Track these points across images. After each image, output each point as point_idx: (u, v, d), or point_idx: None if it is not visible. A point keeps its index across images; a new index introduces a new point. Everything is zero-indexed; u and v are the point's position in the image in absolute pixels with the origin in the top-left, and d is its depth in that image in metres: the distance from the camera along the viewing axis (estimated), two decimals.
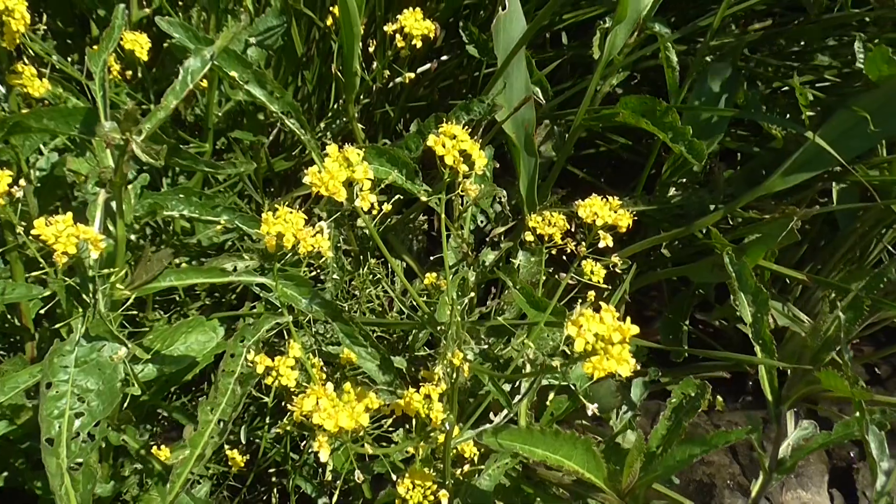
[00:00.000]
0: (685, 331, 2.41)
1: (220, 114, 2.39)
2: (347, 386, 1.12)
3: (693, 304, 2.42)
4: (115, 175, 1.40)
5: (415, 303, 1.86)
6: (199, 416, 1.30)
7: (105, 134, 1.33)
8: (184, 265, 2.21)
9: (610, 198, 1.36)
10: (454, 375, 1.25)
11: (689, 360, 2.42)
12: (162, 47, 2.35)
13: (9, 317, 2.06)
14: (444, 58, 2.60)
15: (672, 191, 2.20)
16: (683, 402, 1.35)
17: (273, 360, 1.28)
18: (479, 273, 1.94)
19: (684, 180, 2.22)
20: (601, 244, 1.35)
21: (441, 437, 1.37)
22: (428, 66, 2.32)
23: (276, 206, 2.43)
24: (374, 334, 2.04)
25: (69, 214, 1.25)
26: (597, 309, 0.99)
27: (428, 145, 1.26)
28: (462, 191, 1.32)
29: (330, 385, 1.04)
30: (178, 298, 2.24)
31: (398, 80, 2.22)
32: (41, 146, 2.17)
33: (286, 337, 1.89)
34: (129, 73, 2.27)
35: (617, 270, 1.41)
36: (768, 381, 1.41)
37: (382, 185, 1.56)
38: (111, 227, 1.53)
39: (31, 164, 2.09)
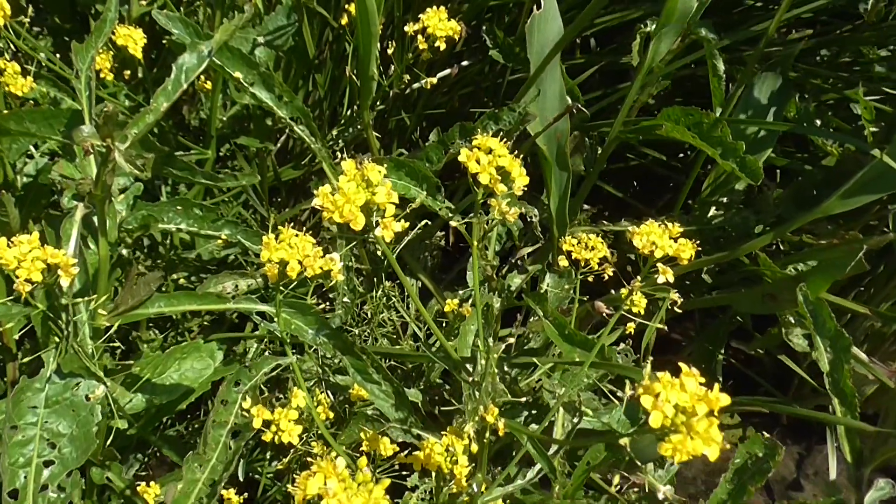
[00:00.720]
0: (720, 360, 2.19)
1: (224, 118, 2.18)
2: (363, 462, 0.90)
3: (729, 331, 2.19)
4: (95, 186, 1.19)
5: (430, 328, 1.64)
6: (184, 472, 1.09)
7: (83, 139, 1.12)
8: (179, 285, 2.00)
9: (669, 224, 1.15)
10: (487, 435, 1.04)
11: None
12: (163, 46, 2.15)
13: None
14: (464, 63, 2.39)
15: (712, 210, 1.98)
16: (749, 462, 1.13)
17: (272, 410, 1.06)
18: (504, 299, 1.73)
19: (725, 199, 1.99)
20: (660, 279, 1.13)
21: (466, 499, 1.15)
22: (448, 71, 2.11)
23: (280, 226, 2.23)
24: (387, 363, 1.83)
25: (35, 234, 1.04)
26: (674, 371, 0.78)
27: (459, 161, 1.05)
28: (498, 214, 1.10)
29: (341, 462, 0.82)
30: (174, 317, 2.03)
31: (415, 85, 2.01)
32: (32, 149, 1.97)
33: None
34: (128, 73, 2.06)
35: (676, 310, 1.19)
36: (849, 442, 1.20)
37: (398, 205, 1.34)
38: (92, 246, 1.32)
39: (17, 169, 1.88)
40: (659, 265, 1.13)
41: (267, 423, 1.06)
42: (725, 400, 0.76)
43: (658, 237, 1.12)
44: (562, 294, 1.77)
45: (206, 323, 2.11)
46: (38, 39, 2.32)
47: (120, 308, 1.32)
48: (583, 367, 1.24)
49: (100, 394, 1.21)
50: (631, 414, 1.44)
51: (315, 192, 0.89)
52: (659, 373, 0.77)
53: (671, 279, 1.13)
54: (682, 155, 2.56)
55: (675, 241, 1.14)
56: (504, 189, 1.05)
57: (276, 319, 1.22)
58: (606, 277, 1.63)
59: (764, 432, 2.24)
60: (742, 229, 1.94)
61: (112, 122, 1.08)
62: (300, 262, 1.11)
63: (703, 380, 0.77)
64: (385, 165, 1.56)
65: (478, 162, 1.04)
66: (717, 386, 0.77)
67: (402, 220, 0.93)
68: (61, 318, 1.16)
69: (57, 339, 1.26)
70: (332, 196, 0.89)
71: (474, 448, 1.04)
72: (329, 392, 1.72)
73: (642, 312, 1.65)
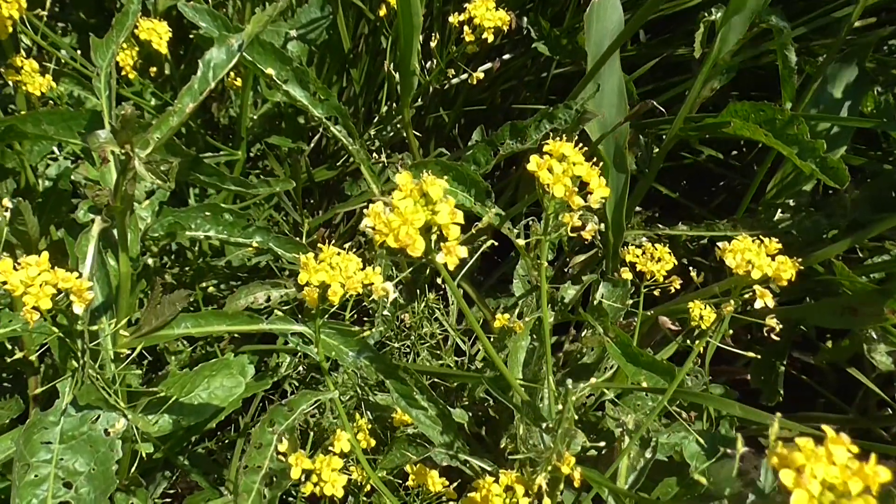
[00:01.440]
0: (781, 372, 2.00)
1: (255, 117, 2.04)
2: None
3: (792, 340, 2.01)
4: (114, 198, 1.04)
5: (485, 349, 1.48)
6: None
7: (99, 146, 0.97)
8: (208, 294, 1.85)
9: (765, 240, 0.97)
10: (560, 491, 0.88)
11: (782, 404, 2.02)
12: (191, 41, 2.00)
13: (9, 347, 1.72)
14: (506, 56, 2.22)
15: (778, 213, 1.80)
16: None
17: (312, 458, 0.91)
18: (558, 312, 1.57)
19: (792, 202, 1.81)
20: (758, 303, 0.96)
21: None
22: (489, 65, 1.94)
23: (313, 231, 2.07)
24: (428, 380, 1.67)
25: (45, 255, 0.89)
26: (817, 439, 0.61)
27: (528, 169, 0.89)
28: (571, 231, 0.94)
29: None
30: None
31: (455, 80, 1.84)
32: (56, 150, 1.84)
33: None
34: (154, 70, 1.92)
35: (773, 337, 1.02)
36: None
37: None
38: (112, 262, 1.17)
39: (39, 172, 1.75)
40: (757, 287, 0.96)
41: (307, 473, 0.91)
42: (885, 475, 0.59)
43: (755, 255, 0.95)
44: (618, 306, 1.60)
45: (236, 335, 1.97)
46: (63, 36, 2.18)
47: (143, 329, 1.18)
48: (662, 398, 1.08)
49: (120, 428, 1.06)
50: (711, 446, 1.28)
51: (365, 212, 0.73)
52: (799, 439, 0.61)
53: (770, 304, 0.96)
54: (734, 152, 2.38)
55: (773, 259, 0.97)
56: (581, 202, 0.88)
57: (313, 342, 1.07)
58: (673, 290, 1.47)
59: None
60: (812, 234, 1.76)
61: (131, 125, 0.93)
62: (342, 285, 0.96)
63: (855, 449, 0.61)
64: (429, 168, 1.38)
65: (550, 171, 0.87)
66: (873, 457, 0.60)
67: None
68: (77, 346, 1.02)
69: (75, 364, 1.12)
70: (385, 216, 0.73)
71: (547, 503, 0.88)
72: (367, 410, 1.57)
73: (711, 327, 1.48)
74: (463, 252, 0.74)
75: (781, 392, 2.00)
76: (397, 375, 1.28)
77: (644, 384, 1.31)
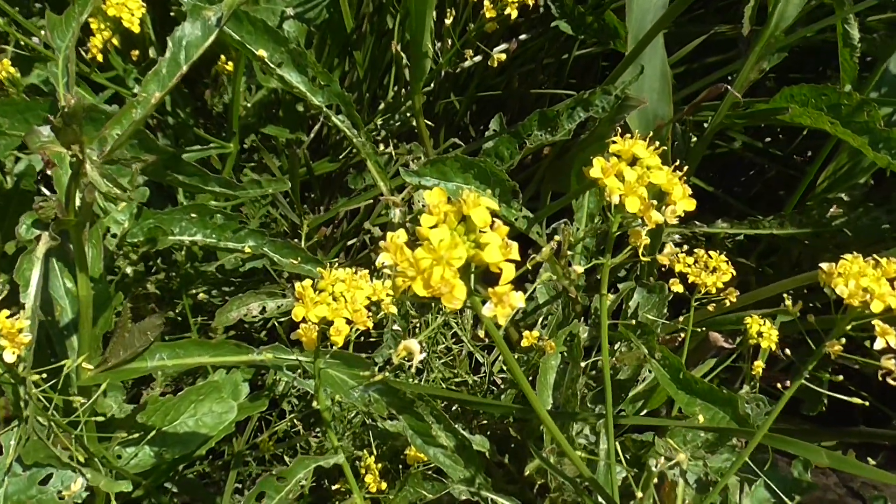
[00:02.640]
0: (826, 380, 1.79)
1: (249, 105, 1.81)
2: None
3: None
4: (64, 209, 0.82)
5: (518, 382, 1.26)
6: None
7: (40, 146, 0.75)
8: (197, 301, 1.63)
9: (883, 261, 0.75)
10: None
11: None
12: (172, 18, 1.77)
13: None
14: (522, 37, 1.98)
15: (832, 209, 1.57)
16: None
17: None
18: (592, 327, 1.35)
19: (846, 196, 1.59)
20: (877, 343, 0.74)
21: None
22: (505, 46, 1.71)
23: (314, 232, 1.84)
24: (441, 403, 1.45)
25: None
26: None
27: (591, 175, 0.66)
28: (642, 252, 0.72)
29: None
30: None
31: (466, 63, 1.62)
32: None
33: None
34: (136, 53, 1.69)
35: (890, 381, 0.79)
36: None
37: None
38: (69, 284, 0.95)
39: (7, 169, 1.52)
40: (877, 323, 0.73)
41: None
42: None
43: (872, 281, 0.72)
44: (655, 314, 1.38)
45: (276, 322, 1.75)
46: (35, 17, 1.95)
47: (110, 363, 0.96)
48: (744, 450, 0.86)
49: (77, 489, 0.85)
50: (785, 491, 1.06)
51: (381, 244, 0.51)
52: None
53: (893, 341, 0.73)
54: (768, 138, 2.14)
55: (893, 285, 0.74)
56: (659, 219, 0.66)
57: (313, 376, 0.85)
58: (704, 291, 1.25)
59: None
60: (870, 233, 1.54)
61: (76, 120, 0.71)
62: (348, 321, 0.74)
63: None
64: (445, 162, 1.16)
65: (620, 178, 0.65)
66: None
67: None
68: (20, 394, 0.80)
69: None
70: (406, 252, 0.51)
71: None
72: (376, 438, 1.35)
73: (774, 348, 1.27)
74: (519, 300, 0.51)
75: (825, 402, 1.79)
76: (412, 410, 1.07)
77: (700, 417, 1.09)
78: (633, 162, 0.68)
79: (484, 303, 0.54)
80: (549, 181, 1.56)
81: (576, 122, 1.26)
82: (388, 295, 0.72)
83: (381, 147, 1.74)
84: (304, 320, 0.73)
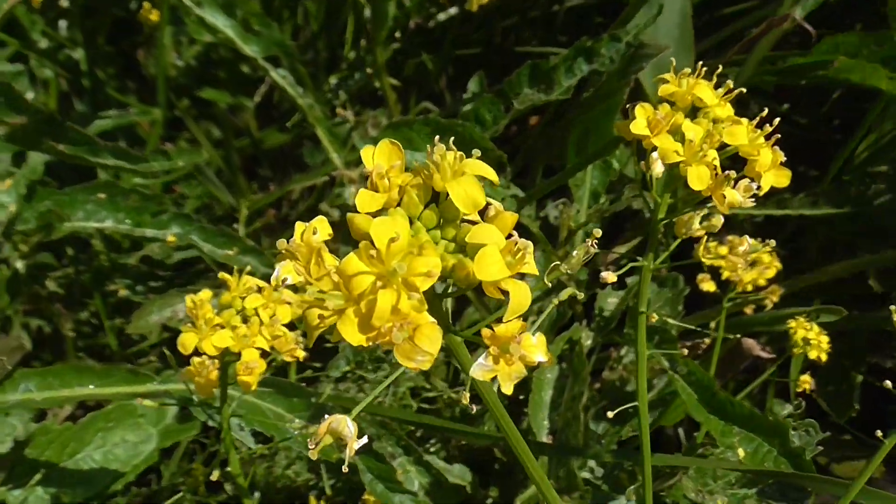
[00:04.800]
0: (858, 383, 1.60)
1: (179, 62, 1.56)
2: None
3: (869, 343, 1.60)
4: None
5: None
6: None
7: None
8: (120, 300, 1.39)
9: None
10: None
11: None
12: None
13: None
14: None
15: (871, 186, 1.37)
16: None
17: None
18: (597, 332, 1.14)
19: (886, 168, 1.38)
20: None
21: None
22: None
23: (257, 214, 1.60)
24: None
25: None
26: None
27: (631, 133, 0.44)
28: (703, 254, 0.50)
29: None
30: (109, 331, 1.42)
31: (442, 16, 1.39)
32: None
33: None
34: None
35: None
36: None
37: None
38: None
39: None
40: None
41: None
42: None
43: None
44: (668, 312, 1.17)
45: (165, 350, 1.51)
46: None
47: None
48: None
49: None
50: None
51: (280, 244, 0.28)
52: None
53: None
54: (786, 105, 1.93)
55: None
56: (736, 199, 0.44)
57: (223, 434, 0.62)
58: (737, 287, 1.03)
59: None
60: None
61: None
62: (264, 353, 0.51)
63: None
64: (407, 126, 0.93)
65: (677, 137, 0.43)
66: None
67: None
68: None
69: None
70: (329, 259, 0.28)
71: None
72: (329, 473, 1.13)
73: (824, 358, 1.06)
74: (538, 352, 0.30)
75: (857, 406, 1.59)
76: (372, 450, 0.85)
77: (739, 450, 0.88)
78: (693, 113, 0.46)
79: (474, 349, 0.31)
80: (541, 153, 1.33)
81: (576, 78, 1.03)
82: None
83: (340, 112, 1.51)
84: (196, 353, 0.50)
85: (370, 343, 0.29)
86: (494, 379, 0.35)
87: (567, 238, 1.08)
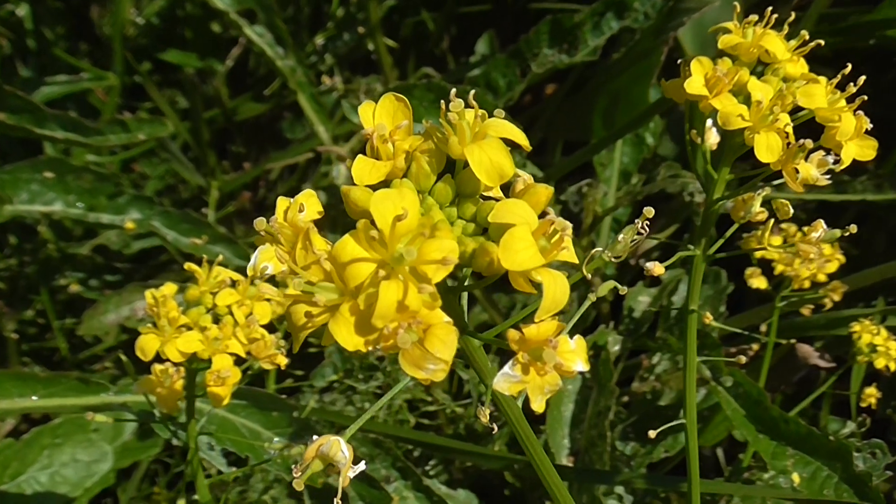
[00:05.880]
0: None
1: (139, 20, 1.54)
2: None
3: None
4: None
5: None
6: None
7: None
8: (73, 297, 1.37)
9: None
10: None
11: None
12: None
13: None
14: None
15: None
16: None
17: None
18: (626, 336, 1.11)
19: None
20: None
21: None
22: None
23: (229, 199, 1.59)
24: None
25: None
26: None
27: (686, 93, 0.42)
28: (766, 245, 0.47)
29: None
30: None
31: None
32: None
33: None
34: None
35: None
36: None
37: None
38: None
39: None
40: None
41: None
42: None
43: None
44: (709, 313, 1.14)
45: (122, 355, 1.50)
46: None
47: None
48: None
49: None
50: None
51: (258, 223, 0.26)
52: None
53: None
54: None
55: None
56: (811, 175, 0.42)
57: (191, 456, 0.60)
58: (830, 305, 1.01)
59: None
60: None
61: None
62: (239, 360, 0.49)
63: None
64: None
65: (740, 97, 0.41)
66: None
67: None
68: None
69: None
70: (319, 243, 0.26)
71: None
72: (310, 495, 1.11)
73: (892, 367, 1.04)
74: (579, 362, 0.28)
75: None
76: (363, 473, 0.83)
77: (794, 475, 0.86)
78: (761, 70, 0.43)
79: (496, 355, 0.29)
80: (561, 126, 1.31)
81: (604, 36, 1.01)
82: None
83: (326, 80, 1.49)
84: (158, 359, 0.48)
85: (369, 347, 0.27)
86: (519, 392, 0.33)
87: (592, 225, 1.06)
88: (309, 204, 0.31)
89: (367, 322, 0.27)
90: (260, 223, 0.30)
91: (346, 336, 0.27)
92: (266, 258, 0.29)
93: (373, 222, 0.27)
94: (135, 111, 1.63)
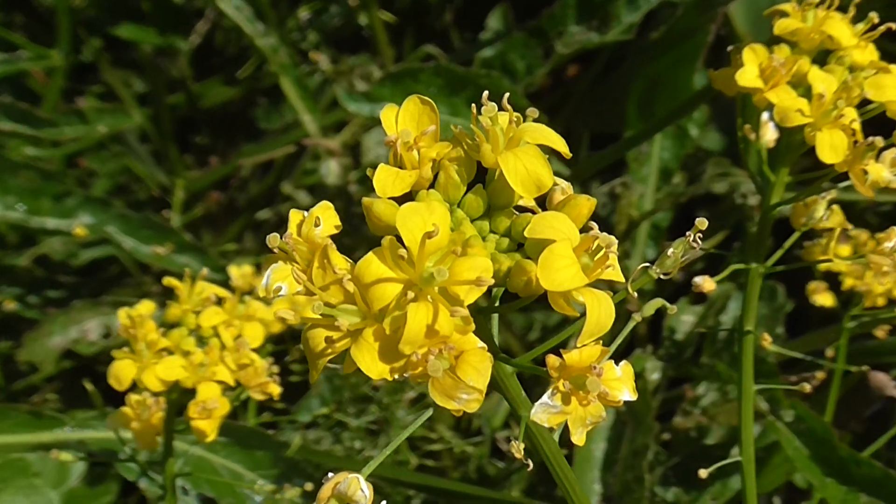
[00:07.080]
0: None
1: None
2: None
3: None
4: None
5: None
6: None
7: None
8: (8, 316, 1.40)
9: None
10: None
11: None
12: None
13: None
14: None
15: None
16: None
17: None
18: (666, 362, 1.14)
19: None
20: None
21: None
22: None
23: (199, 198, 1.62)
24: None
25: None
26: None
27: (741, 84, 0.45)
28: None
29: None
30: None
31: None
32: None
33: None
34: None
35: None
36: None
37: None
38: None
39: None
40: None
41: None
42: None
43: None
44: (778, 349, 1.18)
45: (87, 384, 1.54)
46: None
47: None
48: None
49: None
50: None
51: (271, 240, 0.29)
52: None
53: None
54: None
55: None
56: (883, 177, 0.45)
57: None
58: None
59: None
60: None
61: None
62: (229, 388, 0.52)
63: None
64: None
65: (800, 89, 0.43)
66: None
67: None
68: None
69: None
70: (339, 261, 0.29)
71: None
72: None
73: None
74: (626, 390, 0.31)
75: None
76: None
77: None
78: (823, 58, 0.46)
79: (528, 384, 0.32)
80: (588, 117, 1.35)
81: (641, 11, 1.04)
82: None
83: (314, 58, 1.54)
84: (134, 388, 0.51)
85: (395, 376, 0.30)
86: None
87: (627, 232, 1.09)
88: (325, 217, 0.33)
89: (393, 348, 0.29)
90: (273, 239, 0.33)
91: (370, 363, 0.30)
92: (280, 277, 0.32)
93: (399, 239, 0.30)
94: (81, 95, 1.66)
